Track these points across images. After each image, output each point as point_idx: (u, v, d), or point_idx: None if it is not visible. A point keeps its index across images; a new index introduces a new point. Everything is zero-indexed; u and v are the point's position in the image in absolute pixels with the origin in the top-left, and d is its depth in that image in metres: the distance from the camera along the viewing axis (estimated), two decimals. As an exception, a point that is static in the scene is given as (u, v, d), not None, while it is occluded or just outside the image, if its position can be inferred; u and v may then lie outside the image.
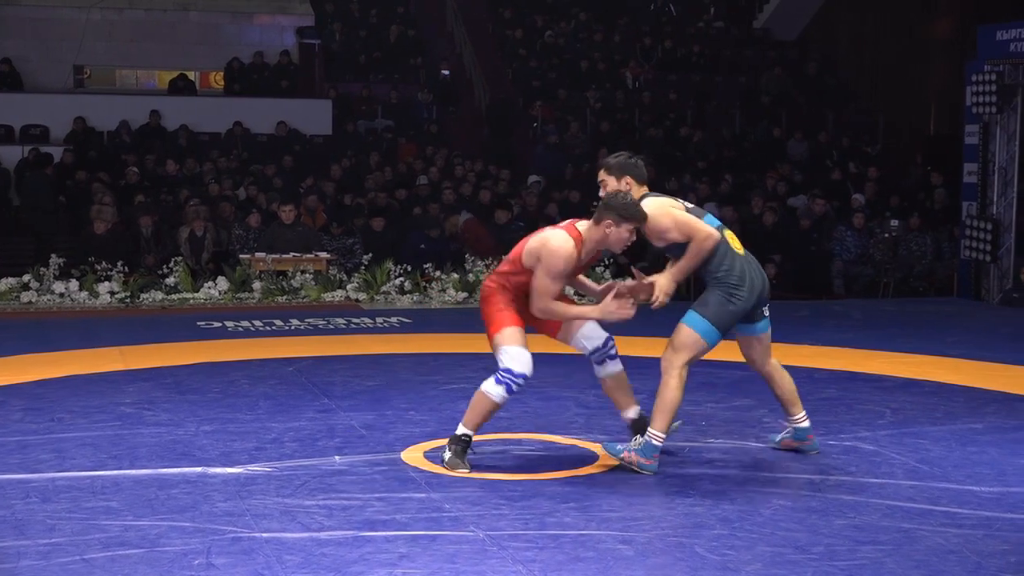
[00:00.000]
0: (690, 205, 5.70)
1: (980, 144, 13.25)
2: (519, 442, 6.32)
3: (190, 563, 4.43)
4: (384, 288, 12.67)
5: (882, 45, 21.87)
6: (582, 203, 15.29)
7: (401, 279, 12.76)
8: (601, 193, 5.71)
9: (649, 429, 5.60)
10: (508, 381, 5.57)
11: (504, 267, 5.75)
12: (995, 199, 13.22)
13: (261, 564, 4.42)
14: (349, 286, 12.73)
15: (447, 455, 5.74)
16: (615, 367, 5.80)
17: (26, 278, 12.35)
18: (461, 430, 5.73)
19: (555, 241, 5.52)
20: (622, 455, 5.64)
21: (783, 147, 18.39)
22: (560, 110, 19.02)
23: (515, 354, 5.56)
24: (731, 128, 19.24)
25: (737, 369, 8.19)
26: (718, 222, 5.70)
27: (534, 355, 5.67)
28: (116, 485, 5.48)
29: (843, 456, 6.07)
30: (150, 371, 8.42)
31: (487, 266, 12.88)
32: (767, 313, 5.81)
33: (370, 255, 13.10)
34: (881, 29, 21.98)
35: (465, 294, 12.55)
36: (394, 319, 11.37)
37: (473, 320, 11.20)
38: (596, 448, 6.13)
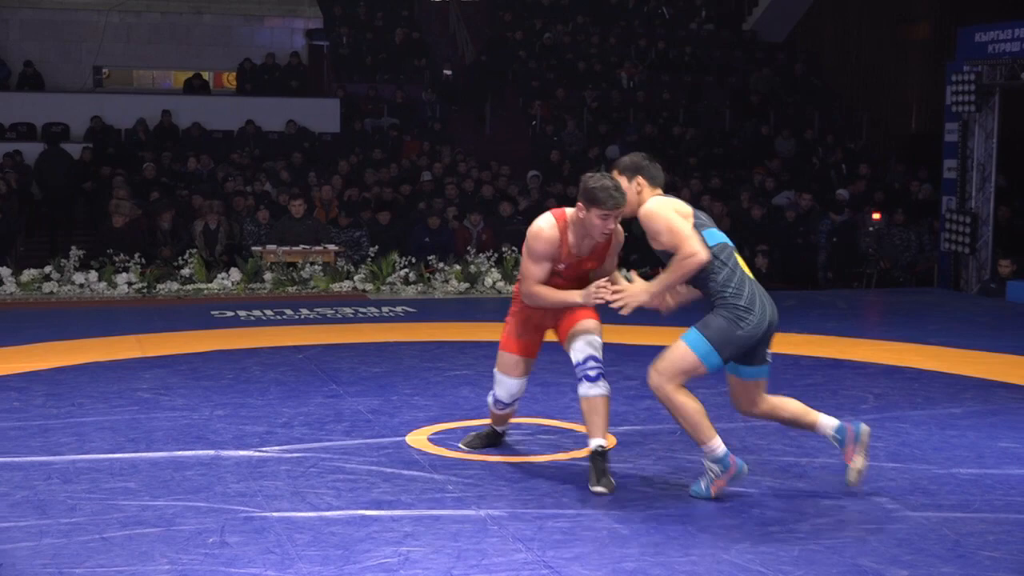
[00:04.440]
0: (702, 216, 5.18)
1: (959, 141, 13.53)
2: (518, 426, 6.40)
3: (204, 541, 4.51)
4: (390, 279, 12.84)
5: (866, 47, 22.10)
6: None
7: (406, 270, 12.94)
8: None
9: (703, 451, 5.11)
10: (493, 398, 5.85)
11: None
12: (974, 194, 13.48)
13: (272, 542, 4.51)
14: (356, 277, 12.90)
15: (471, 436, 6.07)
16: (589, 390, 5.31)
17: (47, 269, 12.56)
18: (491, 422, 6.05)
19: (536, 224, 5.36)
20: (711, 491, 5.11)
21: (771, 144, 18.61)
22: (558, 109, 19.28)
23: (497, 380, 5.72)
24: (721, 126, 19.47)
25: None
26: (722, 238, 5.16)
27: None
28: (134, 467, 5.57)
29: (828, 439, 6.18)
30: (166, 358, 8.52)
31: (488, 258, 13.10)
32: (770, 358, 5.22)
33: (376, 247, 13.30)
34: (865, 32, 22.23)
35: (467, 284, 12.74)
36: (399, 308, 11.48)
37: (474, 309, 11.42)
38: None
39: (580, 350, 5.34)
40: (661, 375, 5.01)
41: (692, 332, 5.01)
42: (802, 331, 9.95)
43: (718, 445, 5.05)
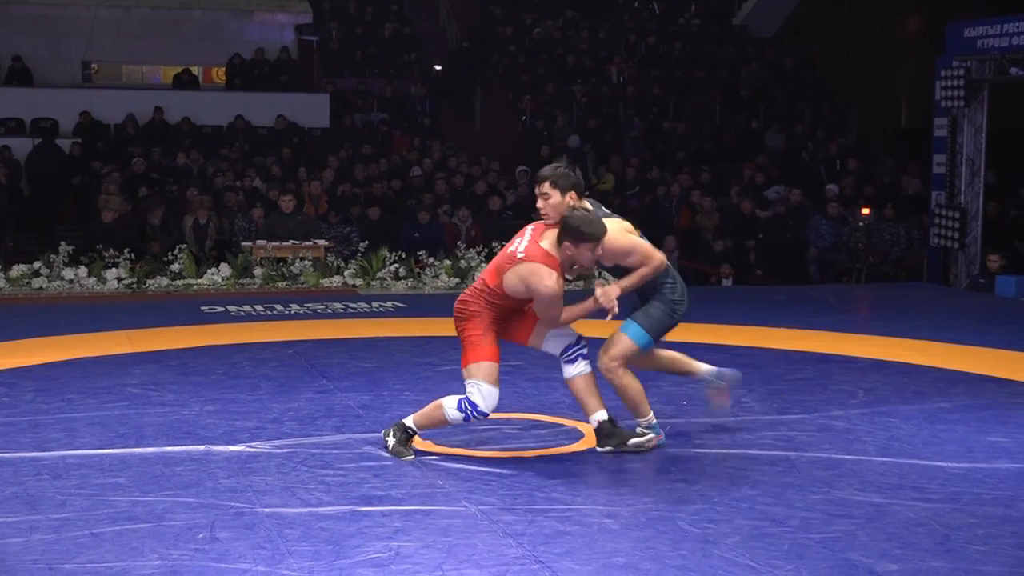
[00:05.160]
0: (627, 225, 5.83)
1: (949, 136, 13.60)
2: (508, 421, 6.43)
3: (194, 537, 4.52)
4: (380, 274, 12.85)
5: (856, 42, 22.25)
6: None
7: (396, 265, 12.96)
8: (539, 204, 5.65)
9: (639, 422, 5.86)
10: (468, 413, 5.57)
11: (486, 287, 5.59)
12: (963, 189, 13.56)
13: (263, 538, 4.52)
14: (346, 272, 12.91)
15: (391, 442, 5.73)
16: (572, 370, 5.70)
17: (37, 265, 12.53)
18: (409, 422, 5.72)
19: (543, 282, 5.41)
20: (646, 447, 5.79)
21: (761, 139, 18.68)
22: (548, 104, 19.34)
23: (485, 393, 5.52)
24: (711, 121, 19.55)
25: (717, 352, 8.32)
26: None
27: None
28: (124, 463, 5.57)
29: (817, 434, 6.20)
30: (156, 354, 8.53)
31: (478, 254, 13.10)
32: None
33: (366, 243, 13.31)
34: (855, 26, 22.35)
35: (457, 280, 12.76)
36: (389, 304, 11.48)
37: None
38: (581, 427, 6.25)
39: (556, 344, 5.74)
40: (612, 360, 5.76)
41: (632, 325, 5.81)
42: (791, 325, 9.99)
43: (652, 418, 5.87)
